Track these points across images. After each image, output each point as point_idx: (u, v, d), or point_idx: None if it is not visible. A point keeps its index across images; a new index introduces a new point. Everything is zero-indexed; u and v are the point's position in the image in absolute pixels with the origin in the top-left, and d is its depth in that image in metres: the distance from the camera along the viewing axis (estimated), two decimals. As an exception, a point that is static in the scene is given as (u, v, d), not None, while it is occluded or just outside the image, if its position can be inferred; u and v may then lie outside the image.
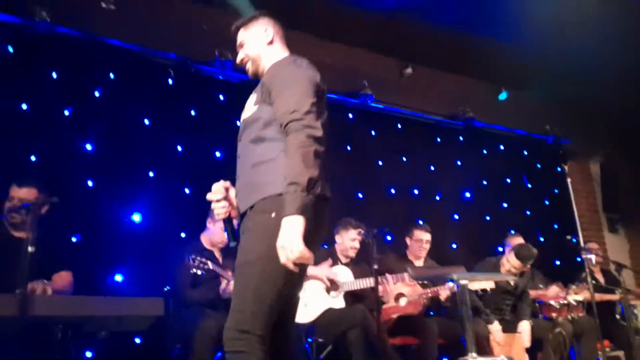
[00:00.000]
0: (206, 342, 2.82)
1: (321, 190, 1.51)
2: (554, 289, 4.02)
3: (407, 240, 4.01)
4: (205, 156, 3.98)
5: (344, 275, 3.57)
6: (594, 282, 3.54)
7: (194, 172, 3.78)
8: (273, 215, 1.47)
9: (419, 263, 3.97)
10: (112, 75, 3.75)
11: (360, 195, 4.70)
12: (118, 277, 3.37)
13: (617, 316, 4.18)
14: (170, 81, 3.90)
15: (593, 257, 4.13)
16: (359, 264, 3.71)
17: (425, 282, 3.75)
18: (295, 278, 1.53)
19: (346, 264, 3.66)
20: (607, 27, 4.40)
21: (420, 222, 4.08)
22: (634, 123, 5.88)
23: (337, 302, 3.50)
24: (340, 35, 4.53)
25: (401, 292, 3.71)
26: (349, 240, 3.62)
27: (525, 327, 3.68)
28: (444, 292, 3.60)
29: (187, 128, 3.93)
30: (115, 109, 3.66)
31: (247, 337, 1.42)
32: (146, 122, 3.81)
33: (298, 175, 1.41)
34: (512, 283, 3.86)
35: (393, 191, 4.91)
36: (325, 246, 3.87)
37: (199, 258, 2.87)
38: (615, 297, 4.16)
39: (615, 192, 5.90)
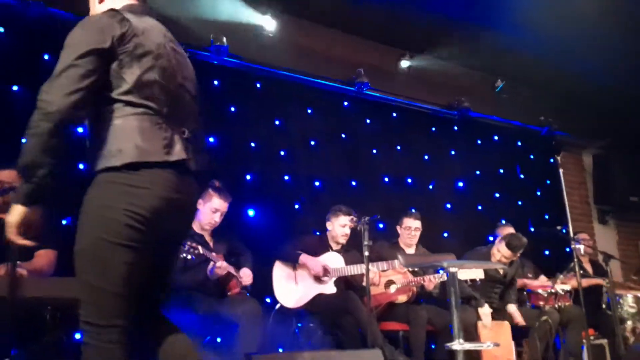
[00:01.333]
0: (197, 325, 2.85)
1: (137, 157, 1.44)
2: (542, 278, 4.08)
3: (398, 228, 4.06)
4: (199, 142, 3.97)
5: (335, 262, 3.61)
6: (582, 272, 3.59)
7: (186, 157, 3.77)
8: (88, 196, 1.45)
9: (410, 251, 4.02)
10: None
11: (354, 184, 4.72)
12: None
13: (603, 305, 4.25)
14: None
15: (582, 247, 4.19)
16: (350, 250, 3.75)
17: (416, 270, 3.80)
18: (136, 255, 1.43)
19: (337, 251, 3.69)
20: (604, 20, 4.39)
21: (413, 210, 4.11)
22: (627, 116, 5.91)
23: (328, 287, 3.54)
24: (337, 22, 4.50)
25: (391, 280, 3.75)
26: (339, 226, 3.65)
27: (512, 308, 3.74)
28: (429, 282, 3.64)
29: (180, 113, 3.91)
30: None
31: (90, 329, 1.39)
32: (139, 106, 3.79)
33: (20, 162, 1.39)
34: (501, 272, 3.91)
35: (387, 180, 4.93)
36: (317, 233, 3.91)
37: (189, 243, 2.88)
38: (599, 281, 4.22)
39: (607, 184, 5.95)
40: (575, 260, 3.49)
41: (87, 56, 1.42)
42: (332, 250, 3.69)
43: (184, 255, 2.88)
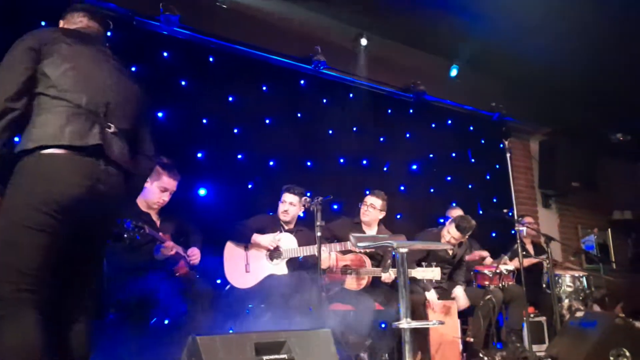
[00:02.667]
0: (143, 307, 2.76)
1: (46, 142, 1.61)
2: (488, 260, 4.23)
3: (360, 206, 4.04)
4: (147, 116, 3.79)
5: (288, 242, 3.57)
6: (524, 253, 3.74)
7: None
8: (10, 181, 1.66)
9: (372, 231, 4.01)
10: (43, 24, 3.45)
11: (309, 164, 4.68)
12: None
13: (544, 285, 4.47)
14: (108, 34, 3.63)
15: (524, 229, 4.36)
16: (304, 230, 3.73)
17: (373, 254, 3.81)
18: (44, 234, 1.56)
19: (289, 231, 3.66)
20: (554, 11, 4.51)
21: (375, 190, 4.08)
22: (572, 105, 6.17)
23: (280, 268, 3.51)
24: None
25: (348, 265, 3.75)
26: (281, 202, 3.63)
27: (458, 291, 3.86)
28: (387, 278, 3.66)
29: (127, 86, 3.71)
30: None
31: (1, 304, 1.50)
32: (82, 76, 3.56)
33: None
34: (450, 253, 4.02)
35: (342, 160, 4.92)
36: (270, 213, 3.85)
37: (134, 222, 2.76)
38: (541, 259, 4.42)
39: (551, 170, 6.22)
40: (519, 242, 3.62)
41: (20, 56, 1.70)
42: (284, 230, 3.66)
43: (129, 235, 2.75)
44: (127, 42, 3.72)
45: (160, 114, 3.86)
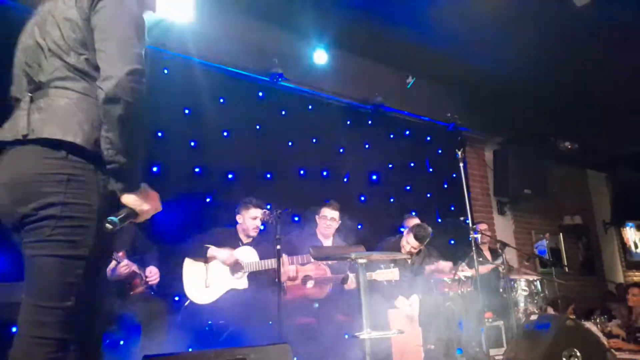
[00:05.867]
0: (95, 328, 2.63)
1: None
2: (442, 264, 4.31)
3: (316, 218, 4.05)
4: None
5: (249, 256, 3.52)
6: (480, 259, 3.83)
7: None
8: None
9: (328, 242, 4.03)
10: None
11: (269, 176, 4.65)
12: (-6, 262, 3.01)
13: (500, 290, 4.59)
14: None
15: (479, 236, 4.48)
16: (262, 243, 3.68)
17: (329, 262, 3.81)
18: None
19: (249, 244, 3.61)
20: (508, 26, 4.70)
21: (331, 201, 4.11)
22: (521, 115, 6.43)
23: (241, 283, 3.45)
24: (250, 9, 4.37)
25: (309, 275, 3.73)
26: (250, 219, 3.59)
27: (413, 301, 3.90)
28: (350, 283, 3.66)
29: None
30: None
31: None
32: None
33: None
34: (409, 261, 4.07)
35: (302, 172, 4.91)
36: (228, 226, 3.78)
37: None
38: (497, 264, 4.54)
39: (505, 178, 6.45)
40: (474, 249, 3.71)
41: None
42: (243, 244, 3.60)
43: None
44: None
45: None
